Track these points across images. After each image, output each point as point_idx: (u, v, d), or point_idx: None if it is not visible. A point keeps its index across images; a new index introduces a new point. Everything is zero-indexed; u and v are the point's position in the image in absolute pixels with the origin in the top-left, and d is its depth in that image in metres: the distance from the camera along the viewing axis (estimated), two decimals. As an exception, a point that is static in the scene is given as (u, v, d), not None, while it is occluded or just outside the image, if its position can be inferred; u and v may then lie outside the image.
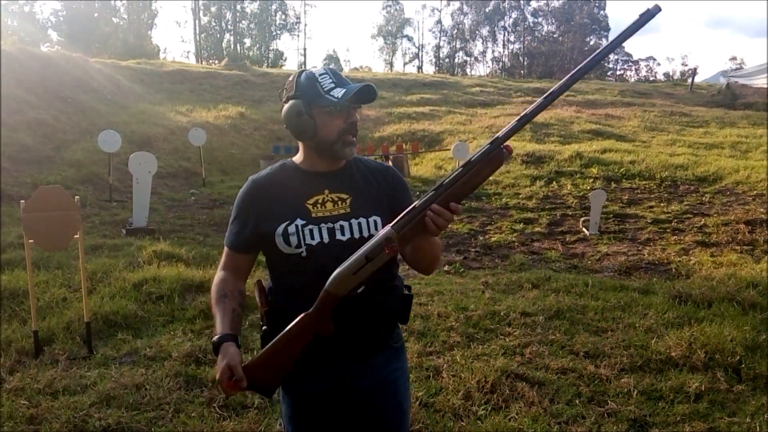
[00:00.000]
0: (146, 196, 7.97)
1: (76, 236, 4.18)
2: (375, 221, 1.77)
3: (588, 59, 1.53)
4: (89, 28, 44.55)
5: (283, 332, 1.68)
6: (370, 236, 1.69)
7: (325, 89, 1.73)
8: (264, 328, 1.79)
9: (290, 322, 1.69)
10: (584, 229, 8.16)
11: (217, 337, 1.68)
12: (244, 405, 3.37)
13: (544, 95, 1.54)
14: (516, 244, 7.69)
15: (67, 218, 4.11)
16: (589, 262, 6.90)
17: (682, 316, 4.70)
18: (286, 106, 1.77)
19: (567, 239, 7.90)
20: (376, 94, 1.76)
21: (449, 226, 1.61)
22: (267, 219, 1.76)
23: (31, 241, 4.07)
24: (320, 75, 1.76)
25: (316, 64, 66.19)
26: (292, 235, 1.72)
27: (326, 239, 1.73)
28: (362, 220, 1.76)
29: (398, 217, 1.62)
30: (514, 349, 4.16)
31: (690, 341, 4.09)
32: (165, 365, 3.80)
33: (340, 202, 1.78)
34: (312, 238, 1.72)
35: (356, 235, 1.74)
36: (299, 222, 1.73)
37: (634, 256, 6.97)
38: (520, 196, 10.08)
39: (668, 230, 8.08)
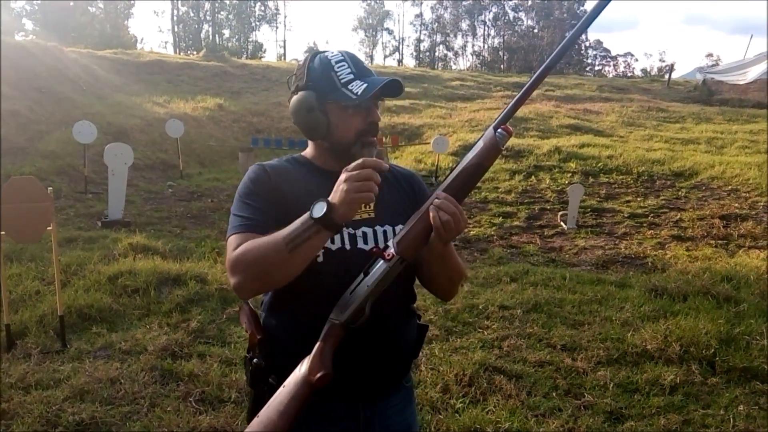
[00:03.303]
0: (122, 188, 7.87)
1: (49, 228, 4.12)
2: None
3: (575, 28, 1.35)
4: (65, 17, 43.83)
5: (280, 388, 1.40)
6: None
7: (343, 81, 1.47)
8: (255, 361, 1.48)
9: (290, 354, 1.43)
10: (562, 223, 8.22)
11: (314, 208, 1.29)
12: (221, 399, 3.34)
13: (536, 72, 1.37)
14: (495, 237, 7.72)
15: (40, 210, 4.04)
16: (567, 255, 6.94)
17: (658, 309, 4.75)
18: (295, 98, 1.51)
19: (545, 233, 7.95)
20: (403, 88, 1.51)
21: (462, 230, 1.36)
22: (281, 212, 1.43)
23: (3, 233, 3.99)
24: (337, 63, 1.49)
25: (296, 56, 65.96)
26: None
27: (348, 246, 1.46)
28: (387, 228, 1.52)
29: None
30: (492, 342, 4.18)
31: (665, 334, 4.14)
32: (140, 359, 3.75)
33: (363, 206, 1.50)
34: (332, 242, 1.44)
35: (381, 245, 1.47)
36: None
37: (611, 250, 7.03)
38: (499, 190, 10.12)
39: (645, 224, 8.16)
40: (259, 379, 1.48)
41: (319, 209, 1.28)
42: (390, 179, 1.62)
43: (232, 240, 1.43)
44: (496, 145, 1.35)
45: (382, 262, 1.36)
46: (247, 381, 1.53)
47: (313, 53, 1.54)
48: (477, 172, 1.37)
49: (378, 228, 1.51)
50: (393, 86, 1.48)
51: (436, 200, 1.34)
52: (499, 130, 1.35)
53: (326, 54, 1.52)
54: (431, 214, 1.32)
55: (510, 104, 1.37)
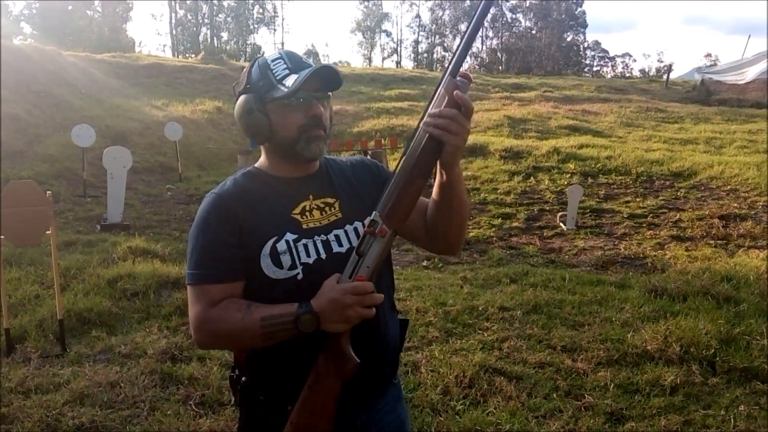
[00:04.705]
0: (121, 191, 7.87)
1: (48, 232, 4.11)
2: None
3: None
4: (63, 20, 43.85)
5: (304, 390, 1.37)
6: None
7: (278, 78, 1.41)
8: (243, 379, 1.46)
9: (279, 368, 1.40)
10: (561, 224, 8.21)
11: (297, 310, 1.32)
12: (221, 402, 3.34)
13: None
14: (494, 239, 7.72)
15: (39, 214, 4.04)
16: (567, 256, 6.94)
17: (658, 309, 4.74)
18: (237, 103, 1.47)
19: (544, 234, 7.94)
20: (339, 76, 1.44)
21: (467, 135, 1.32)
22: (247, 238, 1.40)
23: (2, 236, 3.99)
24: (273, 61, 1.44)
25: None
26: (283, 254, 1.39)
27: (323, 254, 1.42)
28: (358, 225, 1.46)
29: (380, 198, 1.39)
30: (492, 343, 4.17)
31: (665, 335, 4.13)
32: (140, 363, 3.75)
33: (327, 208, 1.48)
34: (308, 255, 1.40)
35: (355, 244, 1.43)
36: (290, 237, 1.41)
37: (610, 251, 7.02)
38: (498, 191, 10.11)
39: (644, 225, 8.15)
40: (249, 397, 1.46)
41: (308, 324, 1.31)
42: (344, 171, 1.58)
43: (193, 293, 1.41)
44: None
45: (375, 239, 1.35)
46: (236, 400, 1.50)
47: (255, 59, 1.51)
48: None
49: (348, 227, 1.47)
50: (325, 74, 1.42)
51: (427, 119, 1.31)
52: (458, 78, 1.32)
53: (265, 56, 1.48)
54: (430, 129, 1.30)
55: (460, 45, 1.33)
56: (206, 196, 1.48)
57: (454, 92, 1.28)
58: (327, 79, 1.43)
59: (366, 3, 64.55)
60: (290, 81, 1.39)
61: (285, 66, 1.42)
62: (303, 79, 1.37)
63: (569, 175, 10.82)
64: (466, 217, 1.52)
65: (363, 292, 1.31)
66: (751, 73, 21.40)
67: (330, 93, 1.48)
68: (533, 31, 58.90)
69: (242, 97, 1.45)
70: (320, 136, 1.45)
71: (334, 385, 1.35)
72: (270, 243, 1.39)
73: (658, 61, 59.18)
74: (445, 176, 1.39)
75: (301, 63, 1.43)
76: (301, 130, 1.43)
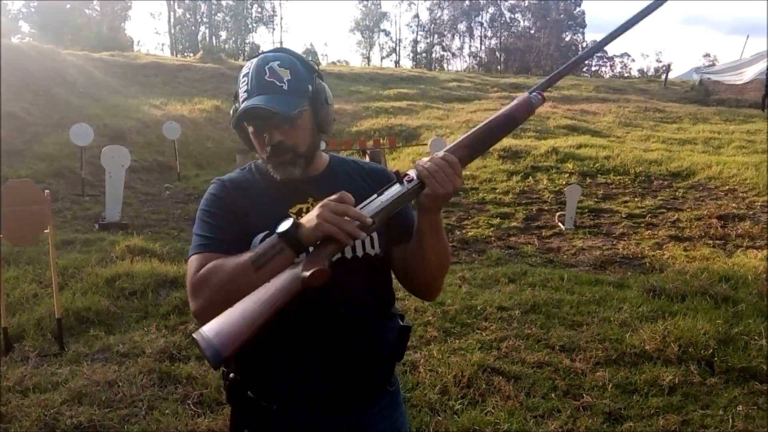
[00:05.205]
0: (119, 190, 7.86)
1: (46, 231, 4.11)
2: (373, 234, 1.44)
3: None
4: (61, 19, 43.79)
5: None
6: (368, 255, 1.42)
7: (241, 98, 1.39)
8: (231, 375, 1.45)
9: (272, 367, 1.39)
10: (560, 224, 8.21)
11: (279, 230, 1.25)
12: (219, 401, 3.33)
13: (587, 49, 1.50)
14: (492, 238, 7.72)
15: (37, 213, 4.04)
16: (565, 256, 6.94)
17: (656, 309, 4.75)
18: None
19: (543, 234, 7.94)
20: (276, 111, 1.33)
21: (458, 187, 1.30)
22: (242, 226, 1.40)
23: (0, 236, 3.98)
24: (243, 76, 1.41)
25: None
26: None
27: None
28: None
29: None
30: (490, 343, 4.17)
31: (664, 335, 4.13)
32: (138, 362, 3.75)
33: None
34: None
35: (360, 252, 1.43)
36: None
37: (608, 251, 7.03)
38: (497, 191, 10.11)
39: (642, 225, 8.16)
40: (237, 393, 1.44)
41: (284, 225, 1.24)
42: (354, 177, 1.54)
43: (192, 261, 1.37)
44: (529, 101, 1.38)
45: (398, 185, 1.31)
46: (226, 396, 1.50)
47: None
48: (507, 122, 1.37)
49: None
50: (261, 115, 1.35)
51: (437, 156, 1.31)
52: (534, 93, 1.39)
53: (244, 65, 1.44)
54: (419, 169, 1.30)
55: (552, 74, 1.42)
56: (212, 182, 1.51)
57: (443, 151, 1.33)
58: (263, 117, 1.36)
59: (365, 2, 64.63)
60: (244, 105, 1.37)
61: (246, 87, 1.38)
62: (234, 120, 1.41)
63: (568, 174, 10.82)
64: (437, 272, 1.48)
65: (349, 201, 1.24)
66: (749, 74, 21.39)
67: (305, 110, 1.40)
68: (532, 31, 58.95)
69: (233, 105, 1.46)
70: (285, 162, 1.40)
71: (293, 284, 1.20)
72: (261, 236, 1.37)
73: (657, 61, 59.31)
74: (418, 221, 1.38)
75: (262, 83, 1.37)
76: (268, 154, 1.41)
